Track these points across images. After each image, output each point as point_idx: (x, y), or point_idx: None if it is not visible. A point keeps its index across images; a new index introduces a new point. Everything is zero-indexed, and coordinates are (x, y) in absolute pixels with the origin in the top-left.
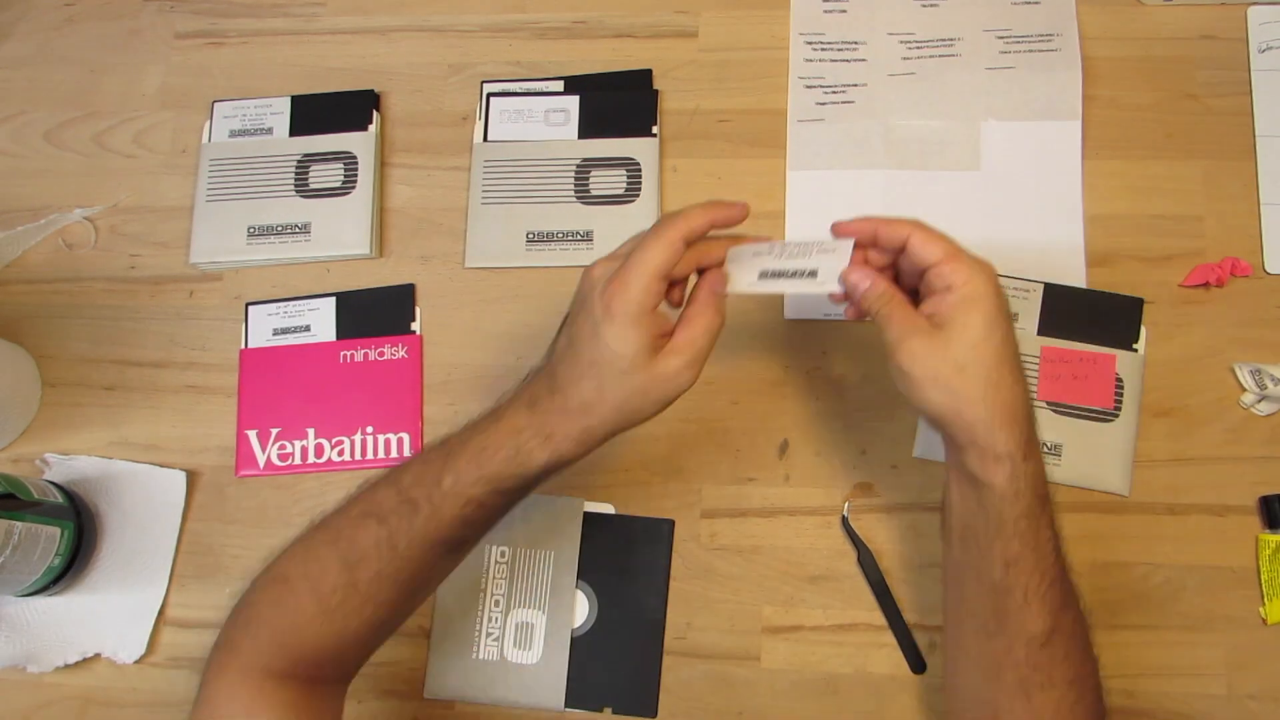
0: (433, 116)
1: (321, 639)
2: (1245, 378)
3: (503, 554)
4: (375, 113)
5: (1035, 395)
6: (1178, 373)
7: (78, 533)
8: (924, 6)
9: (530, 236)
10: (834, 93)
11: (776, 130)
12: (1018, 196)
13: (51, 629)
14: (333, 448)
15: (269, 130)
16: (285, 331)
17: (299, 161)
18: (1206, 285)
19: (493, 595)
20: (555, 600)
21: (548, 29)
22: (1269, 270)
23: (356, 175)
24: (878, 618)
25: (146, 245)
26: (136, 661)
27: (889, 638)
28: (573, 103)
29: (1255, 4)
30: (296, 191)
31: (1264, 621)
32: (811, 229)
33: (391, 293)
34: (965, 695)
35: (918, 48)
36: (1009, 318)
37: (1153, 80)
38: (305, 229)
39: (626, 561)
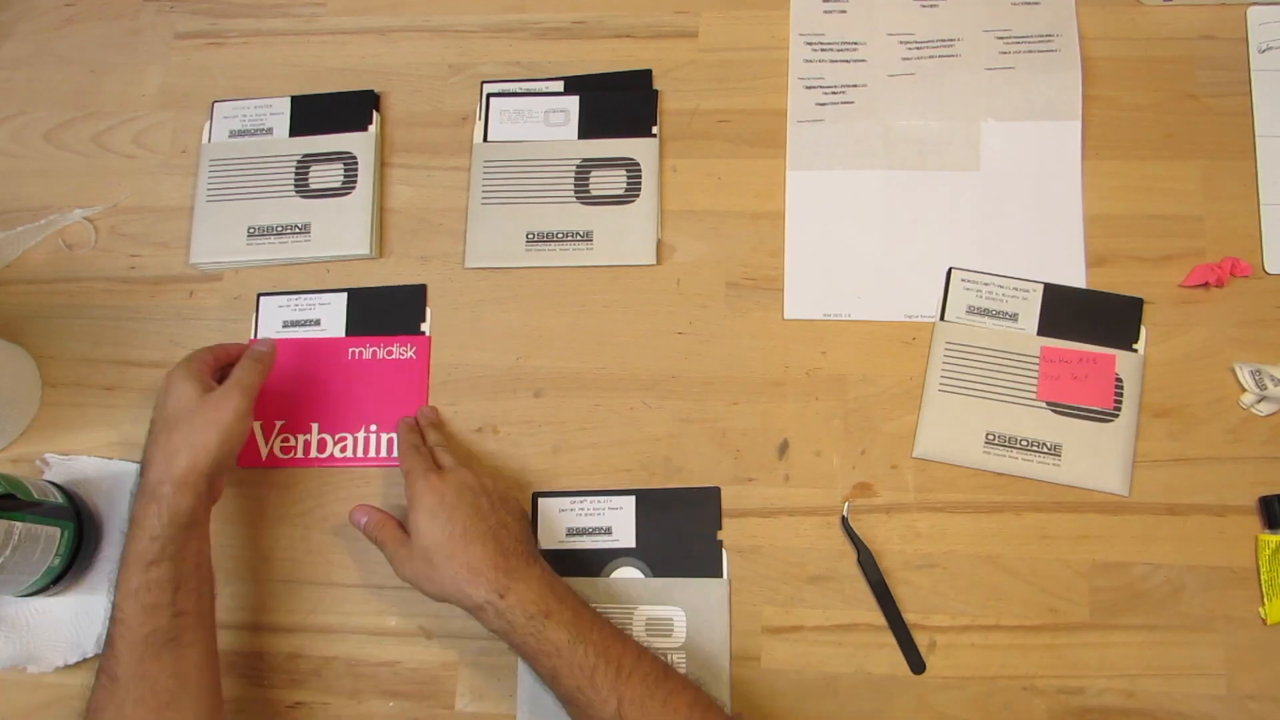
0: (433, 116)
1: None
2: (1245, 378)
3: None
4: (375, 113)
5: (1035, 395)
6: (1178, 373)
7: (78, 533)
8: (924, 7)
9: (530, 237)
10: (834, 93)
11: (776, 130)
12: (1017, 197)
13: (51, 629)
14: (335, 443)
15: (269, 130)
16: (295, 324)
17: (299, 161)
18: (1206, 285)
19: None
20: None
21: (548, 29)
22: (1269, 270)
23: (356, 175)
24: (878, 618)
25: (146, 245)
26: None
27: (889, 638)
28: (573, 103)
29: (1255, 4)
30: (296, 192)
31: (1264, 621)
32: (812, 229)
33: (402, 292)
34: None
35: (917, 48)
36: (453, 503)
37: (1152, 80)
38: (305, 229)
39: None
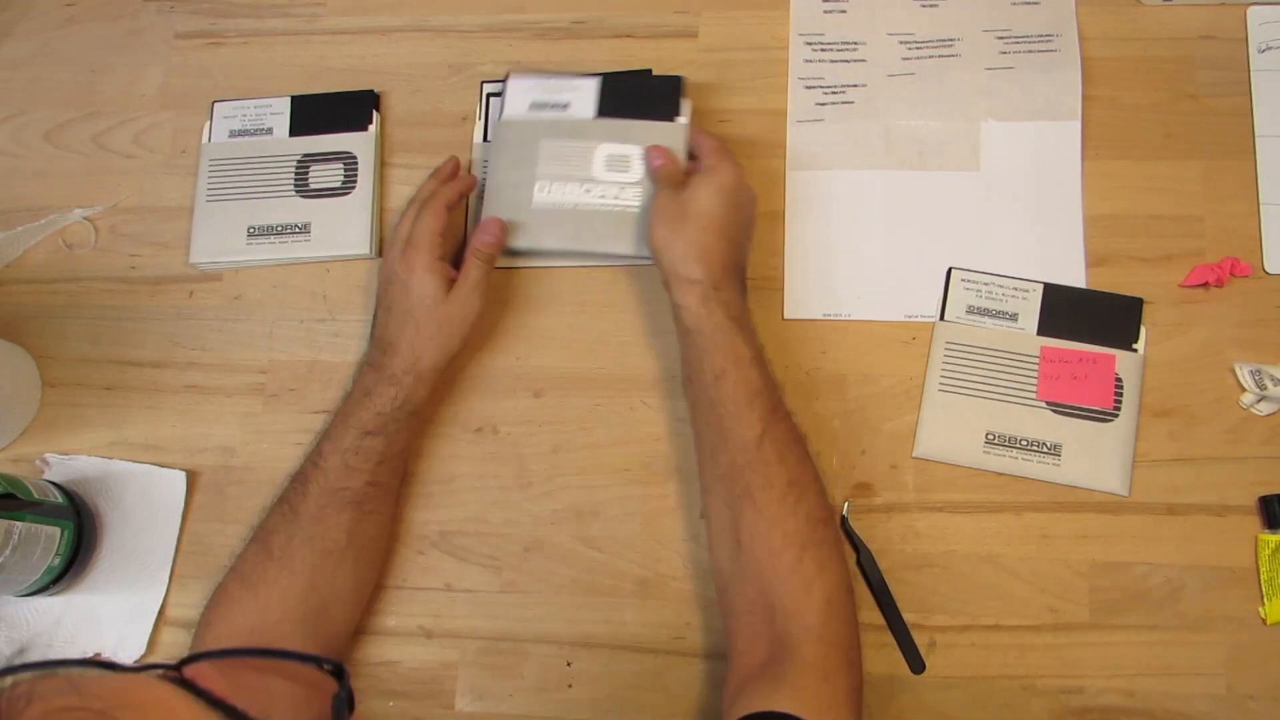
0: (433, 116)
1: (246, 616)
2: (1245, 378)
3: None
4: (375, 113)
5: (1035, 395)
6: (1178, 373)
7: (78, 533)
8: (924, 7)
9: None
10: (834, 93)
11: (776, 130)
12: (1017, 197)
13: (51, 629)
14: None
15: (269, 130)
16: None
17: (299, 161)
18: (1206, 285)
19: None
20: None
21: (548, 29)
22: (1268, 270)
23: (356, 175)
24: (878, 618)
25: (146, 245)
26: (136, 661)
27: (889, 638)
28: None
29: (1255, 4)
30: (296, 191)
31: (1264, 621)
32: (812, 229)
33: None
34: (714, 520)
35: (917, 48)
36: (740, 202)
37: (1153, 80)
38: (305, 229)
39: None
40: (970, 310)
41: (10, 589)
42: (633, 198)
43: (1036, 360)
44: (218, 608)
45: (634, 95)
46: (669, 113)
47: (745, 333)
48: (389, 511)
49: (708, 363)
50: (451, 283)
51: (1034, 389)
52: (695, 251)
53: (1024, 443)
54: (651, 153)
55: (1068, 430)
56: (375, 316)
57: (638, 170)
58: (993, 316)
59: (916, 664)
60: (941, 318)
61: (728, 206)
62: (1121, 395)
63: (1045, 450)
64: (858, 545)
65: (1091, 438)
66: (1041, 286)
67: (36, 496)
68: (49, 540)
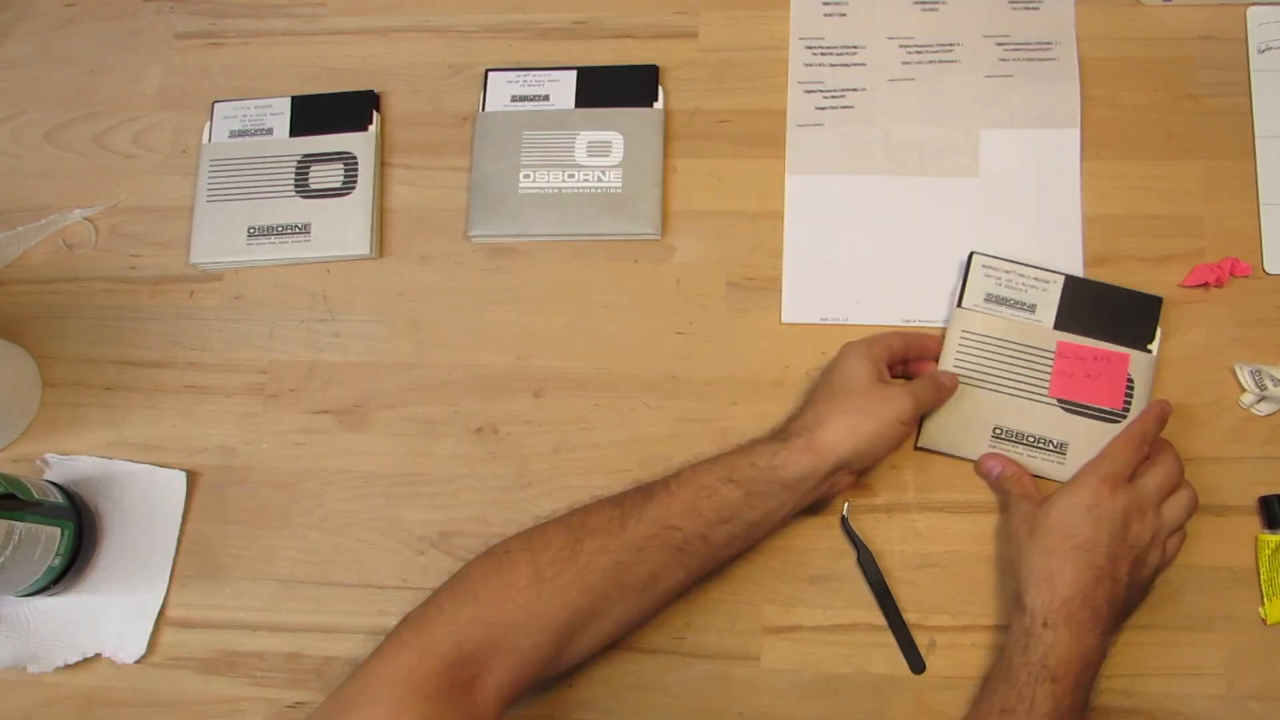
0: (433, 116)
1: (521, 614)
2: (1245, 378)
3: None
4: (375, 113)
5: (1047, 392)
6: (1178, 373)
7: (78, 533)
8: (924, 10)
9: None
10: (833, 97)
11: (776, 131)
12: (1016, 203)
13: (51, 629)
14: None
15: (269, 130)
16: (1000, 301)
17: (299, 162)
18: (1206, 286)
19: None
20: None
21: (548, 29)
22: (1269, 270)
23: (356, 175)
24: (878, 618)
25: (146, 245)
26: (137, 661)
27: (889, 638)
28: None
29: (1255, 4)
30: (296, 192)
31: (1264, 621)
32: (811, 234)
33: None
34: None
35: (917, 52)
36: (1100, 520)
37: (1152, 80)
38: (305, 229)
39: None
40: (989, 299)
41: (10, 589)
42: (614, 179)
43: (1052, 356)
44: (498, 572)
45: (611, 84)
46: (646, 99)
47: (1054, 690)
48: (700, 572)
49: (1001, 693)
50: (887, 378)
51: (1046, 385)
52: (1038, 576)
53: (1031, 439)
54: (989, 463)
55: (1075, 429)
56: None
57: (618, 154)
58: (1011, 306)
59: (917, 664)
60: (959, 304)
61: (1083, 527)
62: (1131, 396)
63: (1052, 448)
64: (857, 545)
65: (1098, 438)
66: (1063, 279)
67: (37, 497)
68: (49, 540)
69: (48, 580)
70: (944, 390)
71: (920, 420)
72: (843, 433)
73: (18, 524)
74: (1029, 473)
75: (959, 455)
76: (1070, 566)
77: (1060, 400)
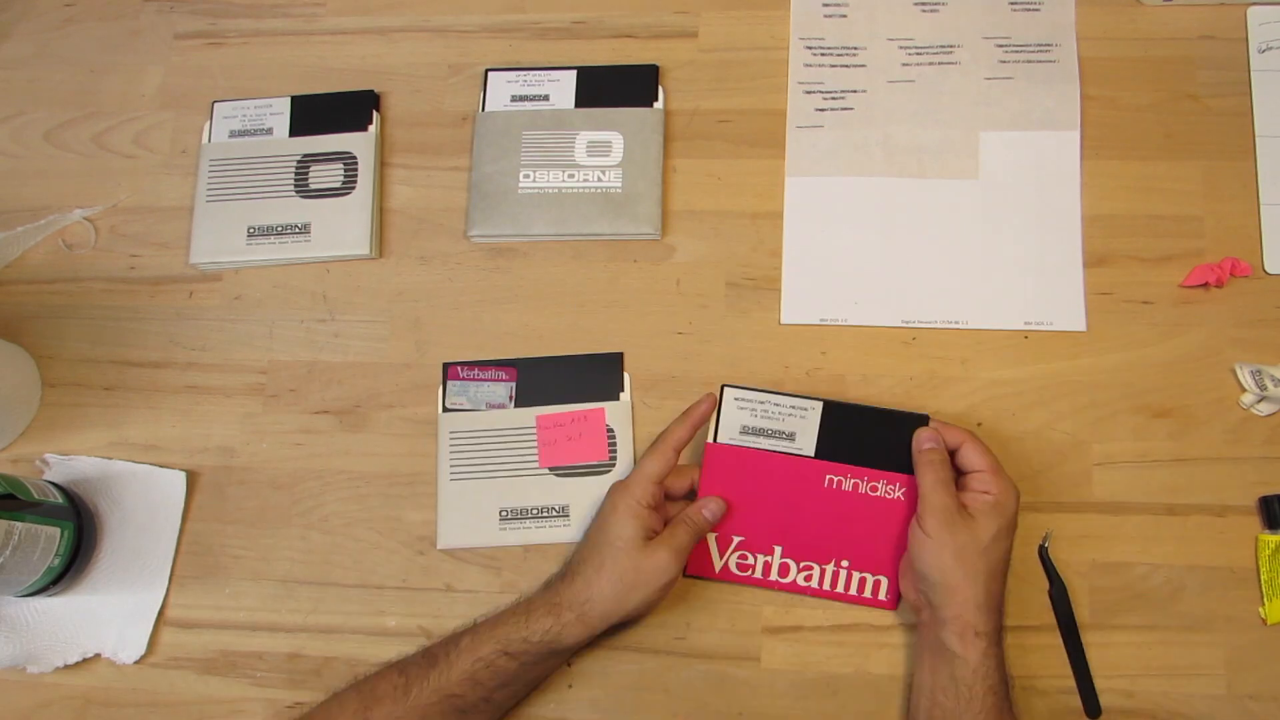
0: (433, 116)
1: None
2: (1245, 378)
3: None
4: (375, 113)
5: (538, 464)
6: (1178, 373)
7: (78, 533)
8: (924, 11)
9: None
10: (833, 98)
11: (776, 130)
12: (1016, 205)
13: (51, 629)
14: (799, 570)
15: (269, 130)
16: (757, 433)
17: (299, 161)
18: (1206, 286)
19: None
20: None
21: (548, 29)
22: (1269, 270)
23: (356, 175)
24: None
25: (146, 245)
26: (136, 662)
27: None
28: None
29: (1255, 4)
30: (296, 192)
31: (1264, 621)
32: (810, 235)
33: (899, 421)
34: None
35: (917, 54)
36: (1011, 537)
37: (1152, 80)
38: (305, 229)
39: None
40: (745, 430)
41: (10, 589)
42: (614, 179)
43: (534, 431)
44: None
45: (611, 84)
46: (646, 99)
47: (1009, 702)
48: None
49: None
50: (654, 534)
51: (535, 458)
52: (991, 602)
53: (534, 511)
54: (926, 435)
55: (572, 490)
56: (585, 534)
57: (618, 154)
58: (769, 436)
59: (1093, 707)
60: (713, 439)
61: (1008, 551)
62: (615, 445)
63: (555, 513)
64: (1052, 577)
65: (596, 490)
66: (820, 405)
67: (36, 497)
68: (49, 541)
69: (47, 580)
70: (706, 527)
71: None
72: (612, 605)
73: (17, 524)
74: (946, 456)
75: (477, 546)
76: (999, 590)
77: (552, 469)
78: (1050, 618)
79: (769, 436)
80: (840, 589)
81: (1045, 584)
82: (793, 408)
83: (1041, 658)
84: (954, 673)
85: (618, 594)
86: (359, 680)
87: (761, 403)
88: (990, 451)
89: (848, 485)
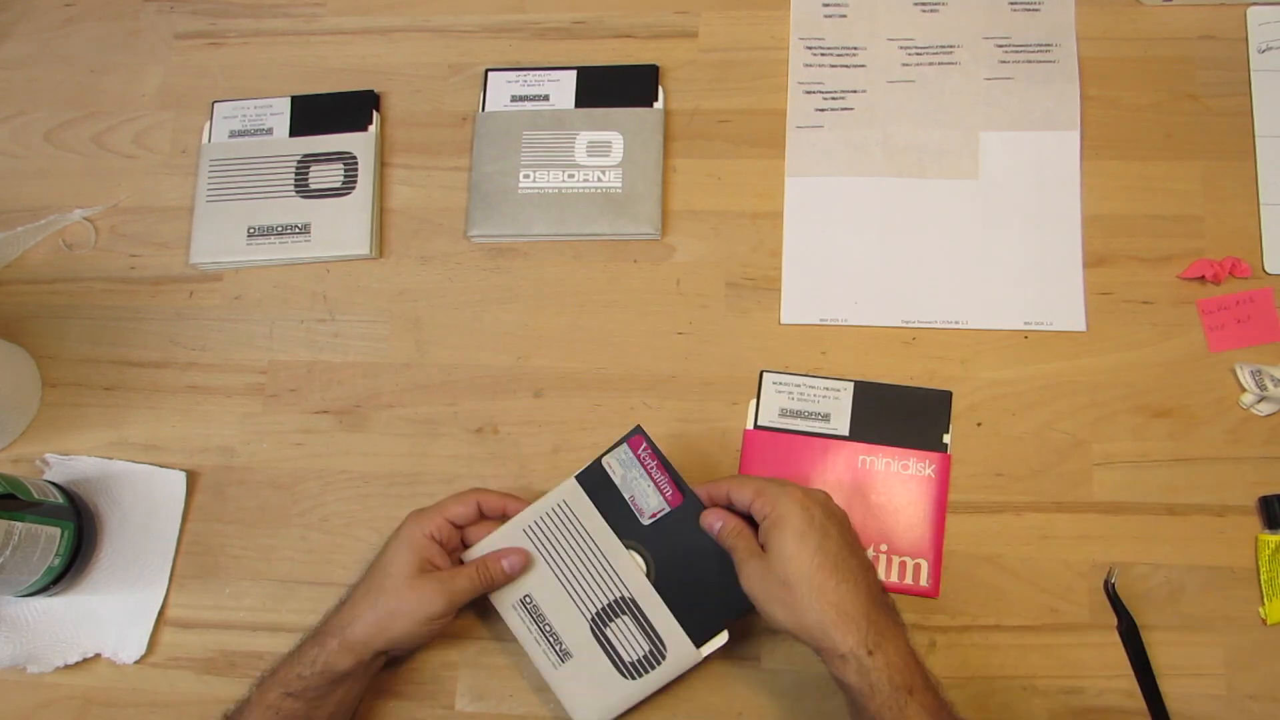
0: (433, 116)
1: None
2: (1245, 378)
3: None
4: (375, 113)
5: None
6: (1178, 373)
7: (78, 533)
8: (924, 12)
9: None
10: (833, 98)
11: (776, 130)
12: (1016, 205)
13: (51, 629)
14: None
15: (269, 130)
16: (795, 415)
17: (299, 162)
18: (1203, 279)
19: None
20: None
21: (548, 29)
22: (1269, 270)
23: (356, 175)
24: (1127, 680)
25: (146, 245)
26: (136, 662)
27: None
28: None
29: (1255, 4)
30: (296, 192)
31: (1264, 621)
32: (810, 235)
33: (924, 396)
34: None
35: (917, 54)
36: (824, 527)
37: (1153, 80)
38: (305, 229)
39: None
40: (783, 413)
41: (10, 589)
42: (614, 179)
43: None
44: None
45: (611, 84)
46: (646, 99)
47: (916, 697)
48: None
49: None
50: (431, 569)
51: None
52: (827, 617)
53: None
54: (708, 518)
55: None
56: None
57: (618, 154)
58: (805, 418)
59: None
60: (754, 425)
61: (822, 546)
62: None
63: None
64: (1121, 614)
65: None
66: (852, 385)
67: (36, 497)
68: (49, 541)
69: (47, 580)
70: (496, 581)
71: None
72: (372, 630)
73: (17, 524)
74: (746, 525)
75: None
76: (845, 587)
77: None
78: (1051, 618)
79: (805, 418)
80: (881, 576)
81: (1044, 583)
82: (826, 389)
83: (1041, 658)
84: (848, 698)
85: (378, 620)
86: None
87: (798, 385)
88: (751, 480)
89: (880, 465)
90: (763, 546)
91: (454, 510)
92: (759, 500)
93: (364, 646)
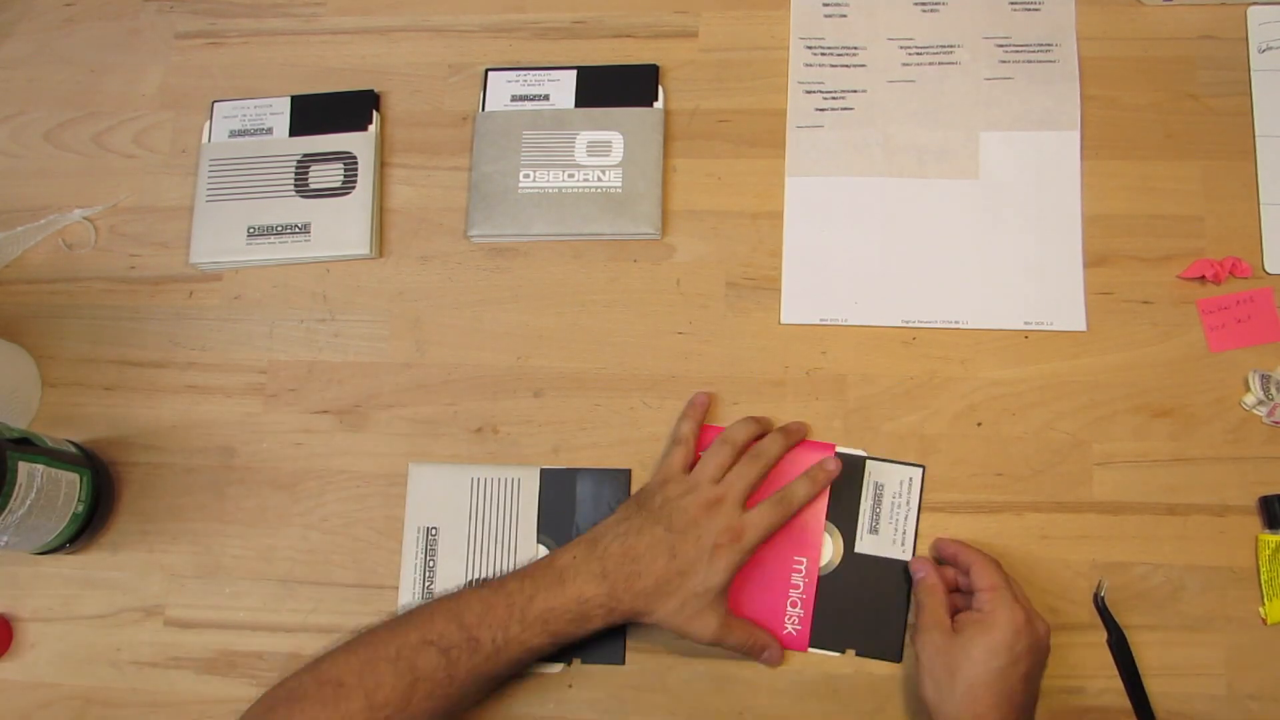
0: (433, 116)
1: None
2: (1254, 382)
3: None
4: (375, 113)
5: None
6: (1178, 373)
7: (95, 481)
8: (924, 11)
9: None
10: (833, 98)
11: (776, 130)
12: (1016, 205)
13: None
14: None
15: (269, 130)
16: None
17: (299, 161)
18: (1203, 279)
19: None
20: None
21: (548, 29)
22: (1269, 270)
23: (356, 175)
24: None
25: (146, 245)
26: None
27: None
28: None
29: (1255, 4)
30: (296, 191)
31: (1264, 621)
32: (810, 235)
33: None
34: None
35: (917, 54)
36: (1019, 657)
37: (1153, 80)
38: (305, 229)
39: None
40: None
41: (38, 537)
42: (614, 179)
43: None
44: (334, 704)
45: (611, 84)
46: (646, 99)
47: None
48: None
49: None
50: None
51: None
52: (966, 717)
53: None
54: (918, 564)
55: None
56: (639, 515)
57: (618, 154)
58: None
59: None
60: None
61: (1005, 671)
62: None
63: None
64: (1110, 626)
65: None
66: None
67: (52, 445)
68: (70, 486)
69: (74, 529)
70: (751, 657)
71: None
72: (671, 621)
73: (39, 467)
74: (946, 592)
75: None
76: (995, 712)
77: None
78: (1051, 618)
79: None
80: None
81: (1044, 583)
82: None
83: None
84: None
85: (678, 623)
86: (389, 646)
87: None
88: (997, 570)
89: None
90: (952, 619)
91: (771, 532)
92: (989, 594)
93: (644, 618)
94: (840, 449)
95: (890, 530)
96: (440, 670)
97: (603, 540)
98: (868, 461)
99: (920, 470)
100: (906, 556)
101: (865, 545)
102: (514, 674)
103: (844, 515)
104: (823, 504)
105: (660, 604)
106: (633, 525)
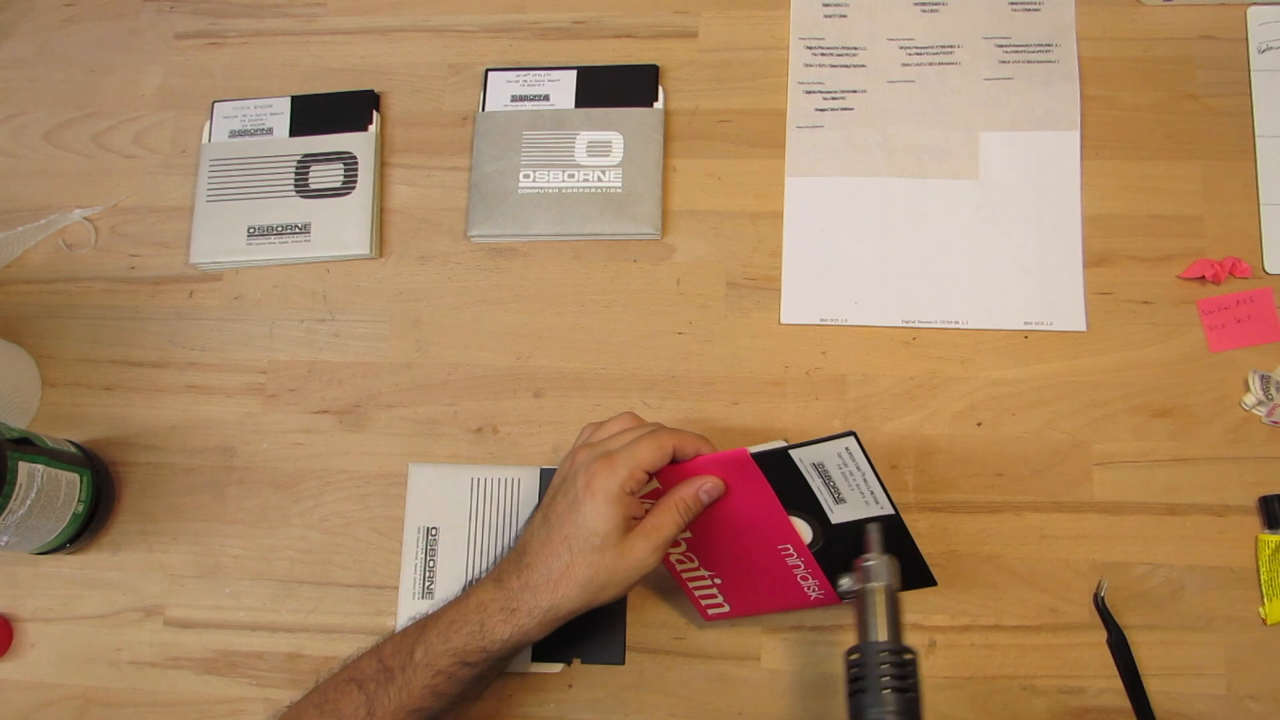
0: (433, 116)
1: None
2: (1254, 382)
3: None
4: (375, 113)
5: None
6: (1178, 373)
7: (95, 481)
8: (924, 12)
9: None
10: (833, 99)
11: (776, 130)
12: (1016, 205)
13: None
14: None
15: (269, 130)
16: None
17: (299, 161)
18: (1203, 279)
19: None
20: None
21: (548, 29)
22: (1269, 270)
23: (356, 175)
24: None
25: (146, 245)
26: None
27: None
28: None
29: (1255, 4)
30: (296, 192)
31: (1264, 621)
32: (810, 235)
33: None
34: None
35: (917, 54)
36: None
37: (1153, 80)
38: (305, 229)
39: None
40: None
41: (38, 537)
42: (614, 179)
43: None
44: None
45: (611, 84)
46: (646, 99)
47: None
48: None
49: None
50: (632, 523)
51: None
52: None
53: None
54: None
55: None
56: (533, 515)
57: (618, 154)
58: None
59: None
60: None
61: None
62: None
63: None
64: (1110, 626)
65: None
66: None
67: (51, 445)
68: (70, 486)
69: (75, 528)
70: (692, 510)
71: None
72: (579, 605)
73: (39, 466)
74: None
75: None
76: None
77: None
78: (1051, 618)
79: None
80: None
81: (1044, 583)
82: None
83: (1041, 658)
84: None
85: (588, 596)
86: (319, 693)
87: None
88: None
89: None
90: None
91: (648, 459)
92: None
93: (562, 618)
94: (753, 448)
95: (856, 495)
96: (359, 708)
97: (504, 553)
98: (789, 452)
99: (852, 437)
100: (887, 510)
101: (839, 515)
102: (439, 706)
103: (803, 502)
104: (770, 497)
105: (564, 587)
106: (527, 530)
